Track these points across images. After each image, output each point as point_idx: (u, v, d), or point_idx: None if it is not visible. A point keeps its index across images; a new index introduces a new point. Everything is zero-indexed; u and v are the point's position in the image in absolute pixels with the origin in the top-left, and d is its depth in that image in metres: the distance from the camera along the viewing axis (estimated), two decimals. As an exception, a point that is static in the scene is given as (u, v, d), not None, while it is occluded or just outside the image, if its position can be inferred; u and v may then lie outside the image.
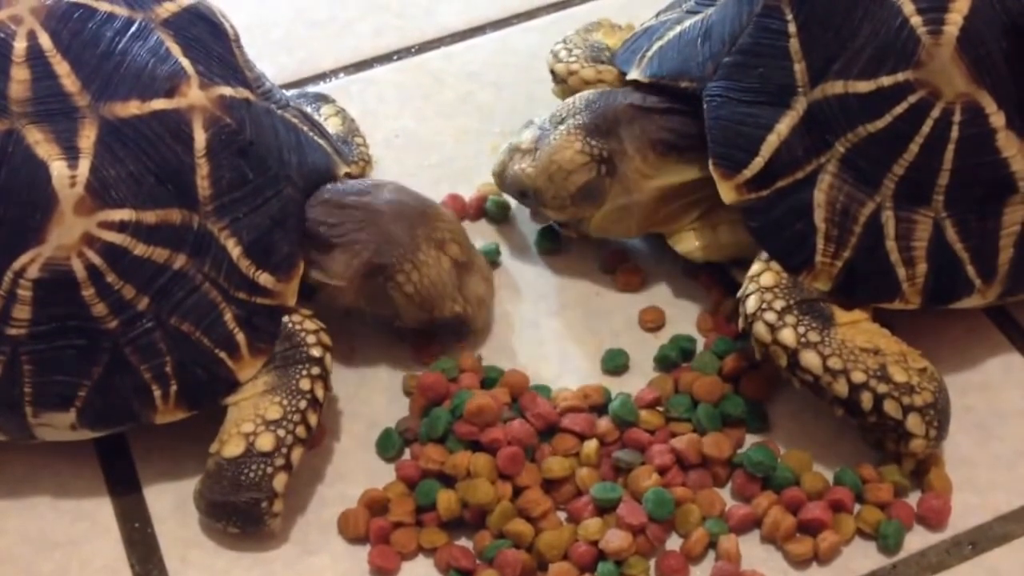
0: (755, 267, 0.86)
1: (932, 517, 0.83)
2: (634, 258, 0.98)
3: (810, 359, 0.83)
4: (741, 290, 0.86)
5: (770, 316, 0.84)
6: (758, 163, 0.86)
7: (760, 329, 0.84)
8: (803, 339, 0.83)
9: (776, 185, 0.85)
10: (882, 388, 0.82)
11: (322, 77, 1.15)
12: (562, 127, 0.92)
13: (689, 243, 0.93)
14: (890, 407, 0.82)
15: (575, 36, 1.07)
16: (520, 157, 0.94)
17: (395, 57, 1.17)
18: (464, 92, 1.13)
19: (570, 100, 0.95)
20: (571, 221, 0.95)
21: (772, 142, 0.85)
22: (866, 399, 0.82)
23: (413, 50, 1.17)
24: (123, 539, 0.84)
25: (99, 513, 0.85)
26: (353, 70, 1.15)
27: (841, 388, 0.82)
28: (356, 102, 1.10)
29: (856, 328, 0.84)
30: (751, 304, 0.84)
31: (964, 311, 0.89)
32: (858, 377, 0.82)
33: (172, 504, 0.85)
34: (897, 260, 0.84)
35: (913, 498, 0.84)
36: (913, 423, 0.82)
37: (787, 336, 0.83)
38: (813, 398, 0.84)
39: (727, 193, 0.87)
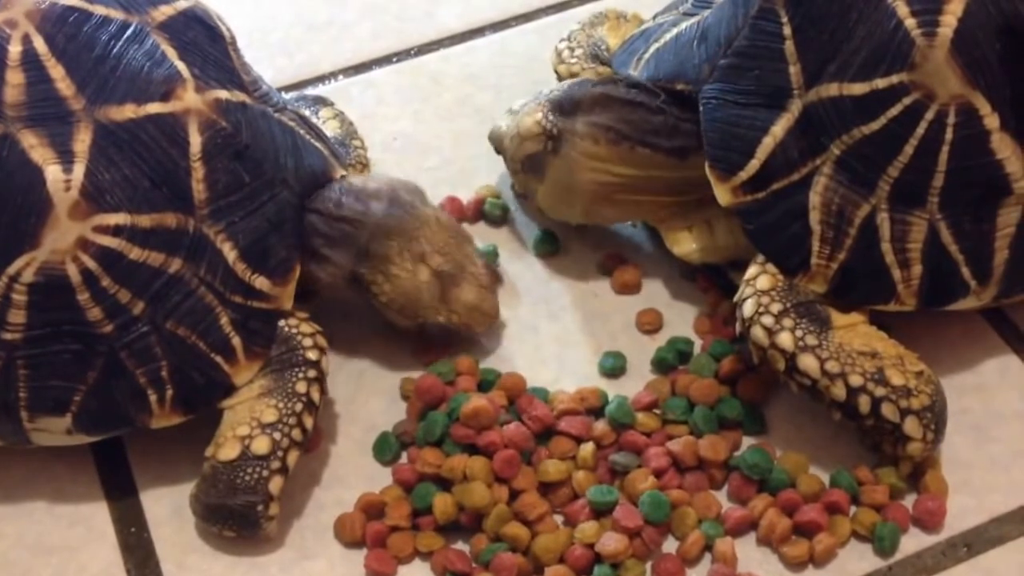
0: (751, 270, 0.86)
1: (928, 519, 0.83)
2: (631, 260, 0.98)
3: (808, 362, 0.82)
4: (738, 294, 0.86)
5: (767, 320, 0.83)
6: (754, 165, 0.85)
7: (758, 333, 0.84)
8: (801, 342, 0.83)
9: (771, 187, 0.85)
10: (880, 391, 0.82)
11: (321, 80, 1.15)
12: (540, 98, 0.95)
13: (686, 245, 0.93)
14: (888, 410, 0.82)
15: (579, 32, 1.07)
16: (507, 116, 0.98)
17: (394, 59, 1.17)
18: (463, 94, 1.13)
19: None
20: (524, 190, 0.98)
21: (767, 144, 0.85)
22: (864, 402, 0.82)
23: (412, 52, 1.17)
24: (119, 544, 0.84)
25: (95, 518, 0.85)
26: (352, 72, 1.15)
27: (839, 391, 0.82)
28: (355, 104, 1.10)
29: (853, 331, 0.84)
30: (748, 308, 0.84)
31: (960, 313, 0.89)
32: (856, 380, 0.82)
33: (169, 508, 0.85)
34: (892, 262, 0.84)
35: (909, 500, 0.84)
36: (911, 426, 0.82)
37: (785, 340, 0.83)
38: (810, 401, 0.84)
39: (723, 195, 0.87)
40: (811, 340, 0.83)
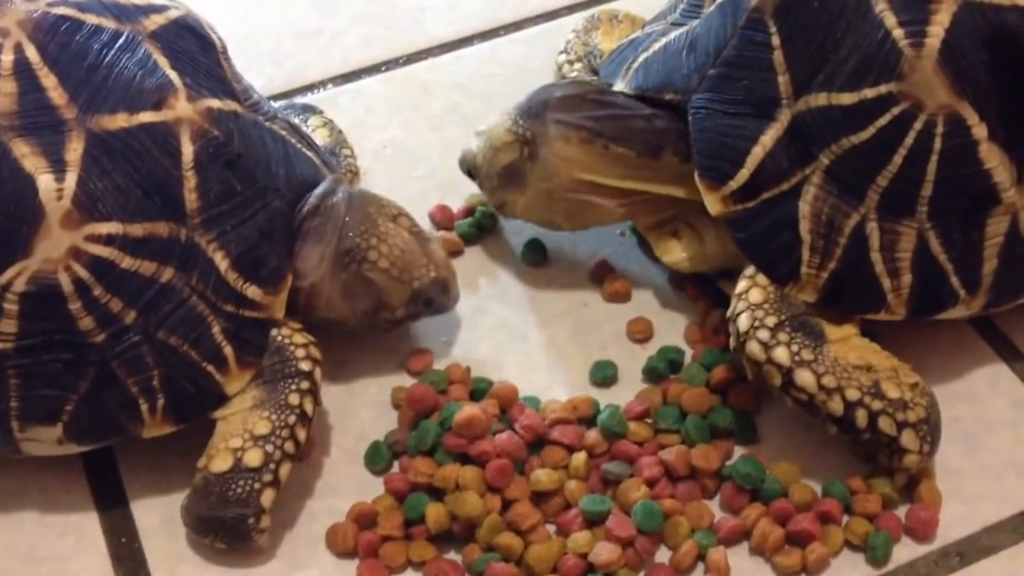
0: (741, 284, 0.86)
1: (920, 528, 0.83)
2: (621, 269, 0.98)
3: (805, 378, 0.82)
4: (730, 309, 0.86)
5: (763, 334, 0.83)
6: (743, 175, 0.86)
7: (754, 348, 0.83)
8: (797, 357, 0.83)
9: (761, 197, 0.86)
10: (876, 405, 0.82)
11: (311, 88, 1.15)
12: (506, 111, 0.94)
13: (676, 254, 0.93)
14: (885, 424, 0.82)
15: (575, 42, 1.07)
16: (475, 138, 0.96)
17: (383, 68, 1.17)
18: (452, 103, 1.13)
19: None
20: (501, 206, 0.96)
21: (757, 154, 0.85)
22: (861, 416, 0.82)
23: (401, 61, 1.17)
24: (110, 554, 0.84)
25: (86, 528, 0.85)
26: (341, 81, 1.16)
27: (836, 406, 0.82)
28: (344, 113, 1.10)
29: (847, 344, 0.84)
30: (743, 323, 0.84)
31: (950, 322, 0.89)
32: (852, 395, 0.82)
33: (160, 519, 0.85)
34: (882, 271, 0.85)
35: (901, 510, 0.84)
36: (907, 439, 0.82)
37: (781, 355, 0.83)
38: (805, 415, 0.84)
39: (713, 205, 0.87)
40: (807, 355, 0.83)
